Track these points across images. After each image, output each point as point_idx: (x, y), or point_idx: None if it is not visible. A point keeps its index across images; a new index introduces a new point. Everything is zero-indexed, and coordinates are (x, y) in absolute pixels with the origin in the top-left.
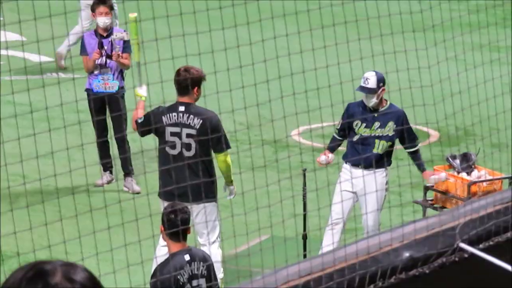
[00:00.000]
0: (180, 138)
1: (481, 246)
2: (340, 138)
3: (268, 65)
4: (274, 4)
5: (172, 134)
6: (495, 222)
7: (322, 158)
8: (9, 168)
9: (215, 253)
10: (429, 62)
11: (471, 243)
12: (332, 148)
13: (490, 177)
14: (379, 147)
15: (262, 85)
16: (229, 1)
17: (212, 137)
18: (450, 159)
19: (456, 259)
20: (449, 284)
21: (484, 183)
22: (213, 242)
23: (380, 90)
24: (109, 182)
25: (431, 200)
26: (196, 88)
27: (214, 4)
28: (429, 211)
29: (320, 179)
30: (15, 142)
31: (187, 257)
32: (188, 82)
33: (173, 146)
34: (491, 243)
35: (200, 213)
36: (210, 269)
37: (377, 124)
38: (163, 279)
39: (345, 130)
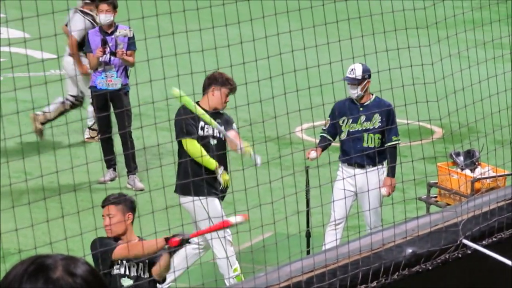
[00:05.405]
0: None
1: (484, 242)
2: (330, 138)
3: (271, 62)
4: (277, 1)
5: None
6: (498, 219)
7: (313, 154)
8: (12, 165)
9: (216, 253)
10: (432, 59)
11: (474, 239)
12: (323, 147)
13: (494, 174)
14: (369, 140)
15: (265, 82)
16: None
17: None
18: (454, 156)
19: (459, 255)
20: (452, 280)
21: (488, 180)
22: (211, 242)
23: (365, 81)
24: (112, 179)
25: (435, 197)
26: (212, 89)
27: (217, 1)
28: (433, 207)
29: (323, 176)
30: (18, 139)
31: None
32: (204, 82)
33: None
34: (494, 239)
35: (186, 210)
36: None
37: (363, 117)
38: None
39: (335, 129)
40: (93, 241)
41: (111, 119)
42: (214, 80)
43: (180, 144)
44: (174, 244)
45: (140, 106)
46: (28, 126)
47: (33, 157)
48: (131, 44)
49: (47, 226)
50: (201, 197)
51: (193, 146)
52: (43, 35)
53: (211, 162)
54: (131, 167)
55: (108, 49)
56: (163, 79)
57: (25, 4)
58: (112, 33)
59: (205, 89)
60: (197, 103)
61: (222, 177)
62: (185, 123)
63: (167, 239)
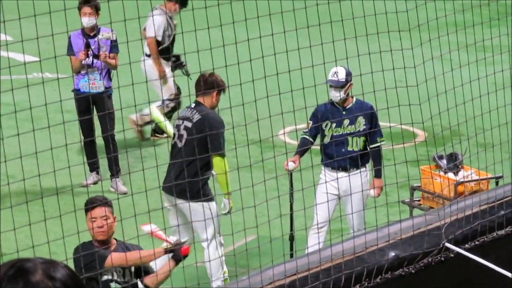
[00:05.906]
0: (178, 130)
1: (466, 245)
2: (311, 139)
3: (254, 65)
4: (260, 3)
5: (175, 126)
6: (481, 222)
7: (291, 165)
8: None
9: (211, 254)
10: (415, 61)
11: (456, 243)
12: (302, 153)
13: (477, 177)
14: (353, 144)
15: (248, 85)
16: (214, 0)
17: (205, 134)
18: (436, 159)
19: (442, 258)
20: (435, 283)
21: (471, 183)
22: (208, 243)
23: (348, 84)
24: (95, 183)
25: (418, 200)
26: (215, 93)
27: (199, 4)
28: (416, 211)
29: (306, 179)
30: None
31: None
32: (204, 82)
33: (173, 137)
34: (476, 242)
35: (187, 212)
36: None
37: (346, 121)
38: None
39: (317, 131)
40: (77, 248)
41: (94, 122)
42: (217, 84)
43: (197, 147)
44: (186, 253)
45: (122, 109)
46: (12, 129)
47: (15, 160)
48: (113, 46)
49: (29, 229)
50: (209, 202)
51: (225, 164)
52: (25, 37)
53: (229, 185)
54: (114, 170)
55: (91, 52)
56: (145, 82)
57: (6, 6)
58: (94, 36)
59: (207, 90)
60: (199, 102)
61: (231, 202)
62: (223, 137)
63: (169, 251)
